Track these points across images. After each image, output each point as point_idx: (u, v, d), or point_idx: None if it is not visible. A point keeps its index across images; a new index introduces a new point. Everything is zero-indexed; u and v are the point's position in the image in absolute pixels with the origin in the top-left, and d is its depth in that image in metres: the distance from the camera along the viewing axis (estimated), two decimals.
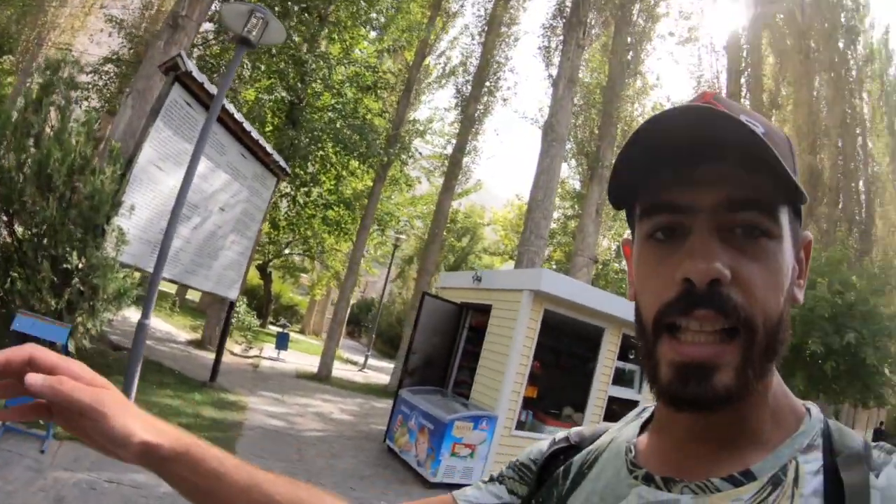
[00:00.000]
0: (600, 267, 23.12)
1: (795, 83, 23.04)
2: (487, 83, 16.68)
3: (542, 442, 0.87)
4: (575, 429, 0.88)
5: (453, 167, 16.64)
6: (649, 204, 0.66)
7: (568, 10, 14.02)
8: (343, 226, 17.67)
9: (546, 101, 22.97)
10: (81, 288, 5.72)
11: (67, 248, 5.56)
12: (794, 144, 0.69)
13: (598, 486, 0.73)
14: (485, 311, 8.65)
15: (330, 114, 14.76)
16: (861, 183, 25.75)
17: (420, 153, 16.40)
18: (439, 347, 9.18)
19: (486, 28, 17.16)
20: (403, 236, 23.10)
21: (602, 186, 14.98)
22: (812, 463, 0.62)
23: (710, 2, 17.15)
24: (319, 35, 14.31)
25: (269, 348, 17.31)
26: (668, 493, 0.65)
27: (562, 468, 0.80)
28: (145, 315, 5.40)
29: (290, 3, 13.71)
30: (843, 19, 23.83)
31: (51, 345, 4.81)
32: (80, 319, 5.88)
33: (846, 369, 17.48)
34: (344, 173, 16.59)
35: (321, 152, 15.06)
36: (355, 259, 16.10)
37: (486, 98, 16.48)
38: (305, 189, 16.20)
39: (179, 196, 5.60)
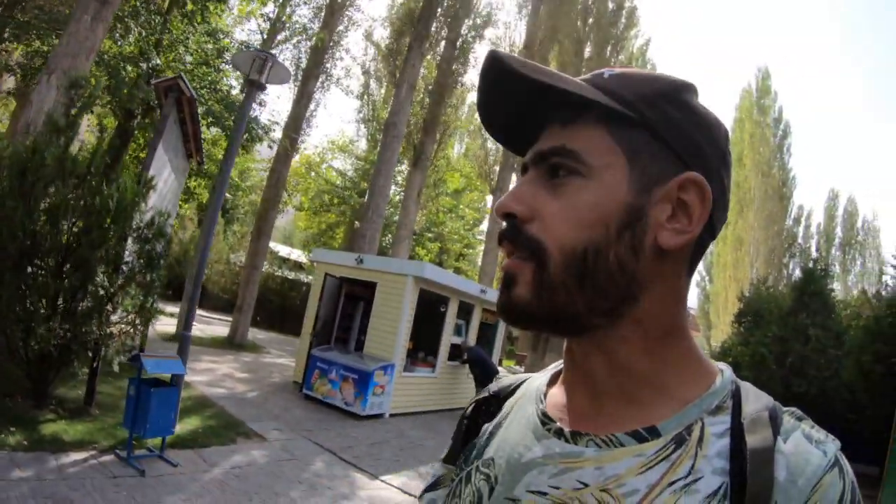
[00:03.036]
0: (417, 237, 27.29)
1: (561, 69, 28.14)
2: (326, 63, 18.69)
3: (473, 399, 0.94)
4: (496, 381, 0.94)
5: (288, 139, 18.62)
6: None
7: (416, 21, 16.84)
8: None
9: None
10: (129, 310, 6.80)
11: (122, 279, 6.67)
12: (678, 89, 0.72)
13: (510, 434, 0.78)
14: (361, 284, 11.76)
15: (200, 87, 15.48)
16: None
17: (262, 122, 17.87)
18: (330, 314, 12.04)
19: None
20: None
21: (423, 175, 18.36)
22: (718, 425, 0.65)
23: (515, 17, 20.69)
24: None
25: None
26: (574, 445, 0.69)
27: (489, 424, 0.85)
28: (187, 328, 7.06)
29: None
30: (617, 31, 29.43)
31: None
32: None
33: None
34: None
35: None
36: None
37: (322, 78, 18.50)
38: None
39: (214, 206, 7.36)
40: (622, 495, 0.62)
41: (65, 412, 6.71)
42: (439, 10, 16.93)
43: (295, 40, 16.91)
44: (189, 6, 13.51)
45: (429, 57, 18.02)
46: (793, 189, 41.35)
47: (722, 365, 0.74)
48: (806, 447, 0.62)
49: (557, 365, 0.84)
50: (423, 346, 12.39)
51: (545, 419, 0.75)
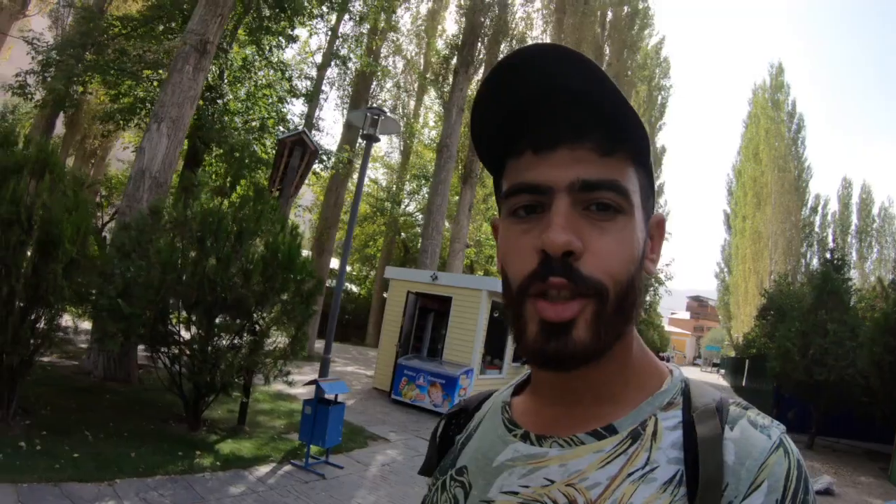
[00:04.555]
0: (475, 251, 28.99)
1: None
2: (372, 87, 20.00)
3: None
4: (467, 396, 1.01)
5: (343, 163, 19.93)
6: (511, 185, 0.74)
7: (460, 46, 18.17)
8: None
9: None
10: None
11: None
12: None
13: (480, 443, 0.83)
14: (435, 298, 13.12)
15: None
16: None
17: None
18: (408, 326, 13.43)
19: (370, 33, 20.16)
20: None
21: (473, 190, 19.69)
22: (671, 419, 0.71)
23: (541, 32, 21.56)
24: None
25: None
26: (539, 447, 0.75)
27: (461, 436, 0.91)
28: (327, 351, 8.52)
29: None
30: (632, 33, 30.62)
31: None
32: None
33: None
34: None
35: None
36: None
37: (370, 102, 19.81)
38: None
39: (347, 240, 8.78)
40: (586, 488, 0.68)
41: (221, 432, 7.95)
42: (481, 33, 18.21)
43: (343, 69, 18.13)
44: (267, 44, 14.71)
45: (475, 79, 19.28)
46: (808, 179, 42.45)
47: (671, 365, 0.80)
48: (751, 432, 0.67)
49: (522, 377, 0.90)
50: (490, 350, 13.78)
51: (511, 426, 0.80)
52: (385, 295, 17.11)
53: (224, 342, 7.12)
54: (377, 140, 9.02)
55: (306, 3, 13.74)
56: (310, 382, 7.22)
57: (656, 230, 0.80)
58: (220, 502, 5.71)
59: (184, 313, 7.10)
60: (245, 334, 7.33)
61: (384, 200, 29.31)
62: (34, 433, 6.56)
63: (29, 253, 6.06)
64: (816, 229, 42.68)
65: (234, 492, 6.05)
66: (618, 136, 0.69)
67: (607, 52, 29.71)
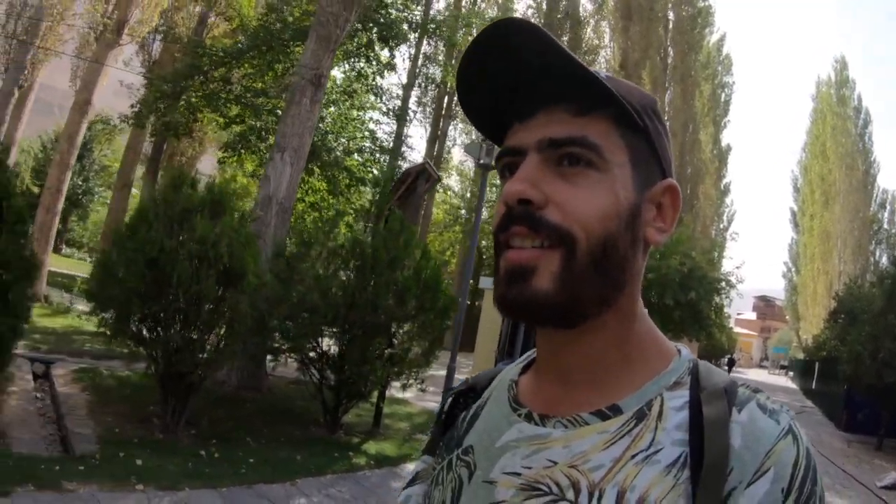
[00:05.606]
0: None
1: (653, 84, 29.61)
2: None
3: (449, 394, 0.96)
4: (476, 374, 0.97)
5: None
6: (499, 150, 0.77)
7: None
8: None
9: None
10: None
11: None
12: (657, 103, 0.79)
13: (486, 422, 0.82)
14: None
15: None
16: (689, 169, 33.84)
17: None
18: (506, 330, 14.25)
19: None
20: None
21: None
22: (677, 399, 0.70)
23: (608, 39, 22.10)
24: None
25: None
26: (542, 427, 0.73)
27: (465, 414, 0.89)
28: (453, 360, 9.41)
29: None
30: (695, 33, 30.82)
31: None
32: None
33: (688, 316, 25.55)
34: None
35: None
36: None
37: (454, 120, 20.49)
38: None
39: (469, 259, 9.66)
40: (588, 470, 0.67)
41: (359, 435, 8.78)
42: None
43: (425, 89, 18.95)
44: (369, 76, 15.63)
45: None
46: (876, 174, 41.75)
47: (680, 345, 0.79)
48: (760, 416, 0.66)
49: (529, 355, 0.88)
50: None
51: (516, 405, 0.79)
52: (468, 302, 17.88)
53: (368, 355, 7.96)
54: (491, 169, 9.71)
55: (406, 31, 14.55)
56: (449, 390, 8.02)
57: (667, 198, 0.77)
58: (388, 494, 6.54)
59: (333, 329, 7.98)
60: (387, 348, 8.20)
61: (459, 208, 30.08)
62: (202, 443, 7.45)
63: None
64: (885, 225, 41.94)
65: (396, 486, 6.89)
66: (589, 98, 0.70)
67: (671, 54, 30.01)
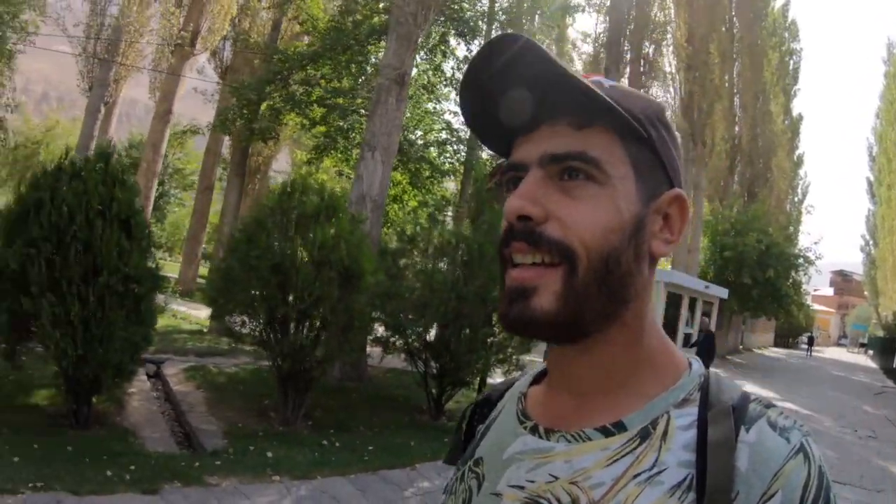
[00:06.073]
0: None
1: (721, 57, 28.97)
2: None
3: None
4: (493, 386, 0.99)
5: None
6: (503, 165, 0.77)
7: (609, 45, 18.85)
8: None
9: None
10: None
11: None
12: (664, 111, 0.78)
13: (496, 434, 0.83)
14: None
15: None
16: (760, 142, 33.01)
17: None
18: None
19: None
20: None
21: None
22: (685, 417, 0.68)
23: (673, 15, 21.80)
24: None
25: None
26: (546, 441, 0.73)
27: (480, 424, 0.91)
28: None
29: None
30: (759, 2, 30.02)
31: None
32: None
33: (767, 294, 25.08)
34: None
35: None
36: None
37: None
38: None
39: None
40: (589, 487, 0.66)
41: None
42: (625, 30, 18.80)
43: None
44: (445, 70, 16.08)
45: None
46: None
47: (692, 357, 0.77)
48: (769, 436, 0.64)
49: (540, 366, 0.88)
50: None
51: (523, 418, 0.79)
52: None
53: (475, 345, 8.36)
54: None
55: (482, 26, 14.82)
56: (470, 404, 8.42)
57: (674, 208, 0.76)
58: None
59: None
60: (491, 337, 8.60)
61: None
62: (320, 433, 7.89)
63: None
64: None
65: None
66: (589, 110, 0.70)
67: (737, 24, 29.26)
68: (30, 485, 5.07)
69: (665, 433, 0.67)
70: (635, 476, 0.65)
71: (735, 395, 0.70)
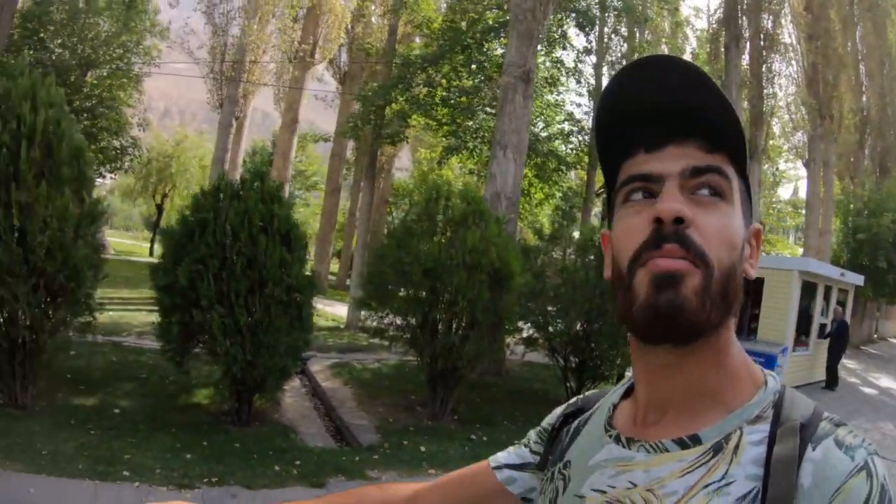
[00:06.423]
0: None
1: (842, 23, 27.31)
2: None
3: (558, 409, 1.03)
4: (584, 394, 1.04)
5: None
6: (627, 176, 0.79)
7: (727, 21, 18.34)
8: None
9: None
10: None
11: None
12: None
13: (585, 441, 0.88)
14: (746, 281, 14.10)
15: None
16: (890, 111, 30.70)
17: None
18: None
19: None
20: None
21: (759, 167, 19.57)
22: (756, 434, 0.71)
23: None
24: None
25: None
26: (627, 450, 0.79)
27: (567, 429, 0.96)
28: None
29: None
30: None
31: None
32: None
33: None
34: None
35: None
36: None
37: None
38: None
39: None
40: (664, 495, 0.71)
41: None
42: (744, 3, 18.19)
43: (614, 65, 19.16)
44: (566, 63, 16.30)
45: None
46: None
47: (770, 373, 0.79)
48: (834, 453, 0.66)
49: (630, 379, 0.91)
50: (797, 327, 14.28)
51: (609, 427, 0.85)
52: None
53: (618, 340, 8.56)
54: None
55: (597, 16, 14.89)
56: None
57: (755, 241, 0.81)
58: None
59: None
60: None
61: None
62: (466, 427, 8.21)
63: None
64: None
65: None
66: (719, 137, 0.74)
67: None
68: (204, 480, 5.50)
69: (737, 448, 0.70)
70: (706, 486, 0.69)
71: (807, 412, 0.72)
